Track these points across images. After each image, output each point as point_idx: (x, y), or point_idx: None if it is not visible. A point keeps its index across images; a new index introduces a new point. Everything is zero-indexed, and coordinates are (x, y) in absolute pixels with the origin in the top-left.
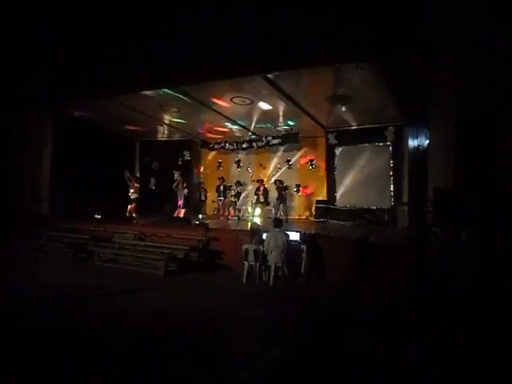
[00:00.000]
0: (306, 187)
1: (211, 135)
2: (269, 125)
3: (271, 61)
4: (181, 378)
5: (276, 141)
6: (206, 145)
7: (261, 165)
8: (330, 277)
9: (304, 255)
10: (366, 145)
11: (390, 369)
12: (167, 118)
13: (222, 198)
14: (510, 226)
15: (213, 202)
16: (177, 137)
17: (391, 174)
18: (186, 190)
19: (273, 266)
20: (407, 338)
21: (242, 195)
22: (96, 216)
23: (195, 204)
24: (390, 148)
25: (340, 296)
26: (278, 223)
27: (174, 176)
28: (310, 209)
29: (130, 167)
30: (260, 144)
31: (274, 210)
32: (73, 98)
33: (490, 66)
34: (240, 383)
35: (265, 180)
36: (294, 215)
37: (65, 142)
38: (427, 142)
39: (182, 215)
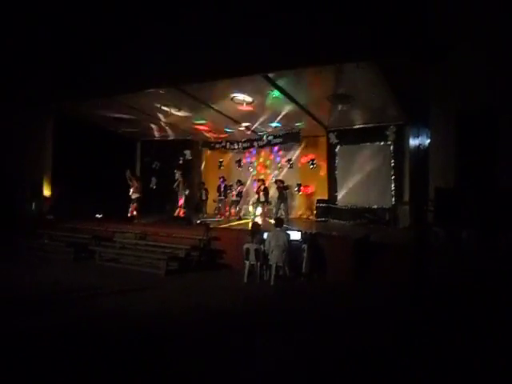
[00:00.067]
0: (306, 186)
1: (213, 135)
2: (270, 124)
3: (272, 60)
4: (182, 377)
5: (277, 140)
6: (207, 144)
7: (262, 164)
8: (330, 276)
9: (305, 254)
10: (367, 144)
11: (391, 368)
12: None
13: (222, 198)
14: (511, 226)
15: (214, 201)
16: (178, 136)
17: (392, 173)
18: (187, 191)
19: (274, 266)
20: (408, 338)
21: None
22: (97, 215)
23: (196, 203)
24: (391, 147)
25: (341, 295)
26: (279, 222)
27: (174, 175)
28: (310, 208)
29: (130, 167)
30: (261, 143)
31: (274, 209)
32: (73, 98)
33: (491, 66)
34: (241, 383)
35: (266, 179)
36: (294, 214)
37: (65, 141)
38: (428, 141)
39: (182, 215)
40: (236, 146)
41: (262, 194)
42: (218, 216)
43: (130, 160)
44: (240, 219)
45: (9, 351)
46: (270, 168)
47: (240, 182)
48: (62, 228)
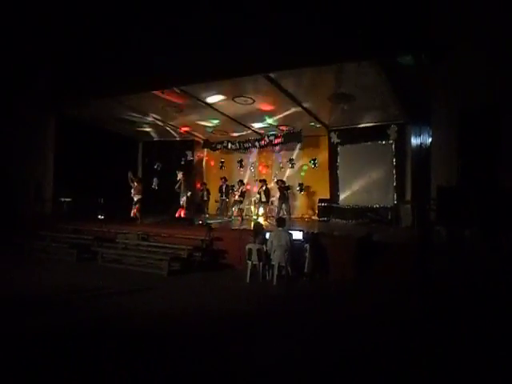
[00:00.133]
0: (308, 186)
1: (214, 135)
2: (271, 124)
3: (272, 60)
4: (184, 377)
5: (278, 140)
6: (209, 145)
7: (263, 164)
8: (333, 276)
9: (307, 254)
10: (369, 143)
11: (393, 367)
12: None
13: (224, 198)
14: None
15: (216, 201)
16: (179, 137)
17: (394, 172)
18: (189, 192)
19: (276, 266)
20: (410, 337)
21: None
22: (99, 216)
23: (198, 204)
24: (393, 146)
25: (343, 295)
26: (281, 222)
27: (176, 176)
28: (312, 208)
29: (132, 168)
30: (262, 143)
31: (276, 209)
32: (75, 99)
33: (492, 65)
34: (243, 382)
35: (267, 180)
36: (296, 214)
37: (67, 142)
38: (430, 140)
39: (183, 215)
40: (237, 146)
41: (263, 194)
42: (221, 216)
43: (132, 161)
44: (242, 219)
45: (13, 352)
46: (272, 168)
47: (242, 183)
48: (64, 229)
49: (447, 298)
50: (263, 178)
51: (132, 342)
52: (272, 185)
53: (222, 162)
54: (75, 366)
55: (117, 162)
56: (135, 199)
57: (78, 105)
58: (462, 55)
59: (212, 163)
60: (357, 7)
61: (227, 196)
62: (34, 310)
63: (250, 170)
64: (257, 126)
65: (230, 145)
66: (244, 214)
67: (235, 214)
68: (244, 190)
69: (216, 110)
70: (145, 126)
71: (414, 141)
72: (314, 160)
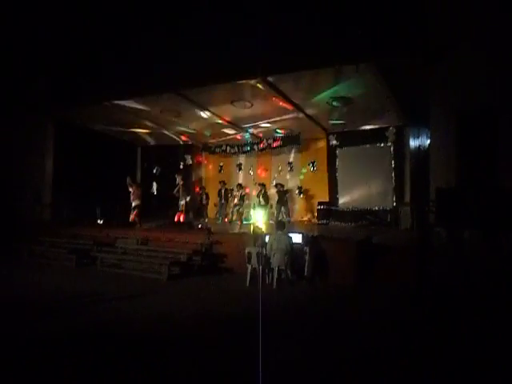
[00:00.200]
0: (307, 189)
1: (213, 139)
2: (270, 127)
3: (271, 63)
4: (185, 381)
5: (277, 143)
6: (207, 148)
7: (262, 167)
8: (333, 278)
9: (307, 257)
10: (368, 146)
11: (393, 369)
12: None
13: (223, 202)
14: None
15: (215, 205)
16: (178, 141)
17: (393, 174)
18: (188, 196)
19: (276, 269)
20: (410, 339)
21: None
22: (98, 221)
23: (197, 208)
24: (392, 148)
25: (344, 298)
26: (281, 226)
27: (175, 180)
28: (312, 211)
29: (131, 172)
30: (261, 147)
31: (275, 212)
32: (73, 104)
33: (490, 66)
34: None
35: (266, 183)
36: (296, 217)
37: (66, 147)
38: (428, 142)
39: (182, 219)
40: (236, 150)
41: (262, 197)
42: (220, 220)
43: (131, 165)
44: (242, 223)
45: (13, 357)
46: (271, 171)
47: (240, 186)
48: (63, 234)
49: (448, 300)
50: (262, 181)
51: (132, 347)
52: (271, 189)
53: (221, 166)
54: (75, 371)
55: (116, 167)
56: (134, 204)
57: (77, 110)
58: (460, 56)
59: (211, 167)
60: (355, 9)
61: (226, 200)
62: (33, 315)
63: (249, 173)
64: (255, 129)
65: (228, 148)
66: (243, 217)
67: (234, 217)
68: (243, 193)
69: (214, 114)
70: (143, 130)
71: (413, 143)
72: (313, 163)
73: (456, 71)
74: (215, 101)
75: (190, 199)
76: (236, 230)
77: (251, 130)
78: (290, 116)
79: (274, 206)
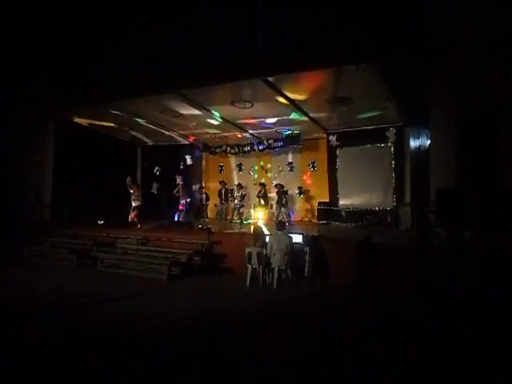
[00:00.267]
0: (307, 189)
1: (213, 139)
2: (270, 127)
3: (271, 63)
4: (185, 380)
5: (277, 143)
6: (208, 149)
7: (262, 168)
8: (333, 279)
9: (307, 257)
10: (368, 146)
11: (393, 369)
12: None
13: (224, 202)
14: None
15: (215, 205)
16: (178, 141)
17: (393, 174)
18: (188, 199)
19: (276, 269)
20: (410, 339)
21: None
22: (99, 221)
23: (197, 208)
24: (392, 149)
25: (344, 298)
26: (281, 226)
27: (175, 180)
28: (312, 211)
29: (131, 172)
30: (261, 147)
31: (275, 213)
32: (74, 104)
33: (491, 66)
34: None
35: (267, 183)
36: (296, 217)
37: (66, 147)
38: (428, 142)
39: (182, 219)
40: (236, 150)
41: (262, 198)
42: (220, 220)
43: (131, 165)
44: (242, 223)
45: (13, 357)
46: (271, 172)
47: (240, 186)
48: (63, 234)
49: (448, 300)
50: (262, 181)
51: (132, 347)
52: (271, 189)
53: (221, 166)
54: (75, 371)
55: (116, 167)
56: (134, 205)
57: (77, 110)
58: (460, 56)
59: (211, 167)
60: (355, 9)
61: (226, 200)
62: (33, 315)
63: (249, 173)
64: (256, 129)
65: (228, 149)
66: (243, 217)
67: (235, 217)
68: (243, 193)
69: (214, 114)
70: (143, 130)
71: (413, 143)
72: (313, 163)
73: (456, 71)
74: (215, 101)
75: (190, 199)
76: (236, 230)
77: (251, 131)
78: (291, 116)
79: (274, 206)
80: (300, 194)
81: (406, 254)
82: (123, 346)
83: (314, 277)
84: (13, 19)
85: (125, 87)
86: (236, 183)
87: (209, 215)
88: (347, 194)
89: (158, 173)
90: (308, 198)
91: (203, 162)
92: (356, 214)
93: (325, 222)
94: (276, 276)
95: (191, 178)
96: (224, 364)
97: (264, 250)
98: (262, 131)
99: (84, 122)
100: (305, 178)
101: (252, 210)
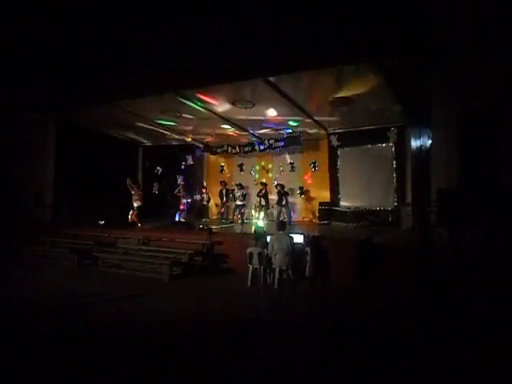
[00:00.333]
0: (308, 189)
1: (213, 139)
2: (271, 127)
3: (272, 63)
4: (186, 380)
5: (278, 144)
6: (209, 149)
7: (263, 168)
8: (334, 279)
9: (308, 257)
10: (369, 146)
11: (395, 369)
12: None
13: (225, 202)
14: None
15: (216, 205)
16: (179, 141)
17: (394, 174)
18: (189, 196)
19: (277, 269)
20: (411, 339)
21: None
22: (100, 221)
23: (198, 208)
24: (393, 149)
25: (345, 298)
26: (282, 226)
27: (177, 180)
28: (313, 211)
29: (132, 172)
30: (262, 147)
31: (276, 213)
32: (75, 104)
33: (491, 66)
34: None
35: (268, 183)
36: (297, 217)
37: (67, 147)
38: (430, 142)
39: (182, 219)
40: (237, 150)
41: (262, 197)
42: (221, 220)
43: (133, 165)
44: (243, 223)
45: (15, 357)
46: (272, 172)
47: (241, 186)
48: (64, 235)
49: (449, 299)
50: (264, 181)
51: (133, 347)
52: (272, 189)
53: (222, 166)
54: (76, 371)
55: (117, 167)
56: (135, 205)
57: (78, 110)
58: (461, 56)
59: (212, 167)
60: (355, 9)
61: (227, 200)
62: (34, 316)
63: (251, 173)
64: (257, 129)
65: (230, 149)
66: (244, 217)
67: (236, 217)
68: (244, 193)
69: (216, 114)
70: (144, 130)
71: (414, 143)
72: (314, 163)
73: (457, 71)
74: (216, 101)
75: (191, 199)
76: (237, 230)
77: (252, 131)
78: (292, 116)
79: (275, 206)
80: (301, 194)
81: (407, 254)
82: (124, 346)
83: (315, 277)
84: (13, 19)
85: (125, 87)
86: (237, 183)
87: (210, 215)
88: (348, 194)
89: (159, 172)
90: (309, 198)
91: (204, 162)
92: (357, 214)
93: (326, 222)
94: (277, 276)
95: (192, 178)
96: (225, 364)
97: (265, 251)
98: (263, 131)
99: (84, 121)
100: (306, 178)
101: (253, 211)
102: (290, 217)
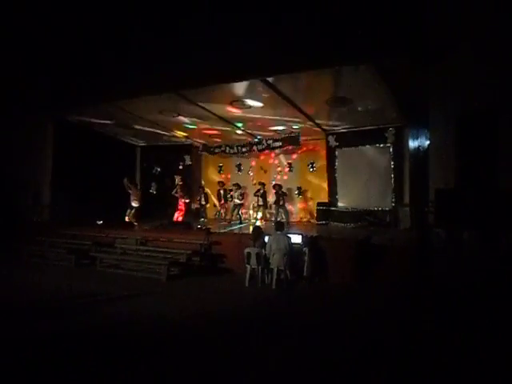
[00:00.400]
0: (306, 190)
1: (212, 139)
2: (269, 128)
3: (271, 64)
4: (184, 380)
5: (276, 144)
6: (207, 149)
7: (261, 168)
8: (332, 279)
9: (306, 258)
10: (367, 146)
11: (393, 369)
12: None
13: (222, 202)
14: (511, 226)
15: (214, 206)
16: (177, 141)
17: (392, 175)
18: (187, 196)
19: (275, 269)
20: (409, 339)
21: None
22: (98, 222)
23: (196, 208)
24: (391, 149)
25: (343, 298)
26: (280, 226)
27: (175, 180)
28: (311, 211)
29: (130, 172)
30: (260, 147)
31: (274, 213)
32: (73, 104)
33: (490, 66)
34: None
35: (266, 183)
36: (295, 218)
37: (66, 148)
38: (428, 142)
39: (181, 219)
40: (235, 150)
41: (260, 197)
42: (219, 220)
43: (130, 165)
44: (241, 223)
45: (12, 358)
46: (270, 172)
47: (238, 186)
48: (62, 235)
49: (447, 300)
50: (262, 181)
51: (131, 347)
52: (270, 189)
53: (220, 167)
54: (74, 371)
55: (115, 167)
56: (133, 205)
57: (76, 110)
58: (460, 57)
59: (210, 167)
60: (355, 9)
61: (225, 200)
62: (32, 316)
63: (248, 174)
64: (255, 130)
65: (228, 149)
66: (242, 218)
67: (233, 218)
68: (242, 192)
69: (214, 114)
70: (142, 130)
71: (412, 143)
72: (312, 163)
73: (456, 72)
74: (215, 101)
75: (189, 199)
76: (235, 231)
77: (250, 131)
78: (290, 117)
79: (273, 206)
80: (299, 194)
81: (405, 255)
82: (122, 347)
83: (313, 277)
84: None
85: (124, 87)
86: (234, 183)
87: (208, 215)
88: (346, 194)
89: (157, 173)
90: (307, 199)
91: (202, 163)
92: (355, 215)
93: (324, 222)
94: (275, 276)
95: (190, 179)
96: (223, 364)
97: (263, 251)
98: (261, 131)
99: (83, 122)
100: (304, 178)
101: (251, 211)
102: (288, 217)
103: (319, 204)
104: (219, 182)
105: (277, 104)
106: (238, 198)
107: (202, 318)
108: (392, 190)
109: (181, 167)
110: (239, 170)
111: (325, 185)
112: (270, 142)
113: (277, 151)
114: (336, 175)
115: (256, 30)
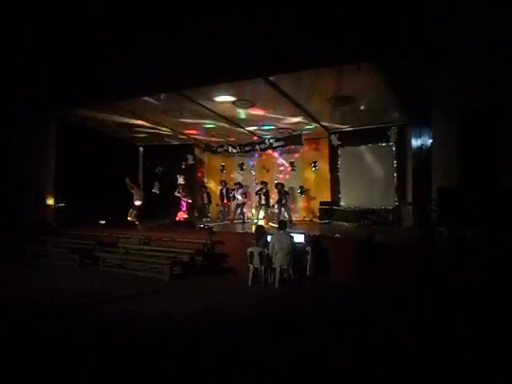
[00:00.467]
0: (309, 189)
1: (214, 139)
2: (271, 127)
3: (272, 63)
4: (187, 380)
5: (279, 143)
6: (209, 148)
7: (264, 167)
8: (335, 278)
9: (309, 257)
10: (369, 145)
11: (394, 368)
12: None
13: (226, 202)
14: None
15: (217, 205)
16: (180, 141)
17: (395, 174)
18: (189, 196)
19: (278, 269)
20: (411, 338)
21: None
22: (101, 221)
23: (199, 207)
24: (394, 148)
25: (346, 297)
26: (283, 225)
27: (177, 180)
28: (313, 210)
29: (132, 173)
30: (263, 146)
31: (277, 212)
32: (75, 104)
33: (492, 66)
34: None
35: (268, 183)
36: (298, 217)
37: (68, 147)
38: (430, 141)
39: (183, 218)
40: (238, 150)
41: (263, 196)
42: (222, 220)
43: (133, 165)
44: (244, 223)
45: (16, 357)
46: (273, 171)
47: (240, 185)
48: (66, 234)
49: (449, 299)
50: (264, 180)
51: (134, 346)
52: (273, 188)
53: (223, 166)
54: (77, 370)
55: (118, 167)
56: (136, 204)
57: (79, 110)
58: (462, 56)
59: (212, 167)
60: (355, 9)
61: (228, 199)
62: (35, 315)
63: (251, 173)
64: (257, 129)
65: (230, 148)
66: (245, 217)
67: (236, 217)
68: (245, 191)
69: (216, 113)
70: (144, 130)
71: (415, 142)
72: (315, 162)
73: (458, 71)
74: (216, 100)
75: (192, 199)
76: (238, 230)
77: (253, 130)
78: (292, 115)
79: (275, 205)
80: (301, 193)
81: (407, 253)
82: (125, 346)
83: (316, 276)
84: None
85: (125, 87)
86: (236, 182)
87: (210, 215)
88: (349, 193)
89: (159, 172)
90: (309, 198)
91: (205, 162)
92: (358, 214)
93: (326, 221)
94: (278, 275)
95: (193, 178)
96: (225, 363)
97: (266, 250)
98: (263, 131)
99: (85, 121)
100: (306, 177)
101: (253, 210)
102: (290, 216)
103: (322, 203)
104: (222, 181)
105: (279, 103)
106: (242, 196)
107: (205, 318)
108: (395, 188)
109: (183, 167)
110: (242, 169)
111: (327, 184)
112: (273, 141)
113: (279, 150)
114: (339, 174)
115: (257, 30)
